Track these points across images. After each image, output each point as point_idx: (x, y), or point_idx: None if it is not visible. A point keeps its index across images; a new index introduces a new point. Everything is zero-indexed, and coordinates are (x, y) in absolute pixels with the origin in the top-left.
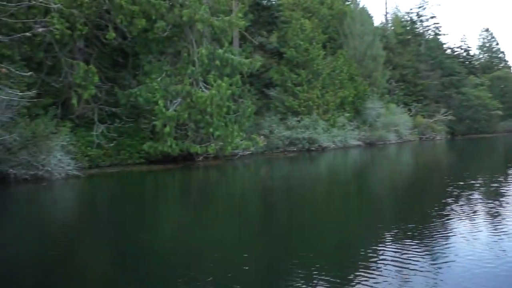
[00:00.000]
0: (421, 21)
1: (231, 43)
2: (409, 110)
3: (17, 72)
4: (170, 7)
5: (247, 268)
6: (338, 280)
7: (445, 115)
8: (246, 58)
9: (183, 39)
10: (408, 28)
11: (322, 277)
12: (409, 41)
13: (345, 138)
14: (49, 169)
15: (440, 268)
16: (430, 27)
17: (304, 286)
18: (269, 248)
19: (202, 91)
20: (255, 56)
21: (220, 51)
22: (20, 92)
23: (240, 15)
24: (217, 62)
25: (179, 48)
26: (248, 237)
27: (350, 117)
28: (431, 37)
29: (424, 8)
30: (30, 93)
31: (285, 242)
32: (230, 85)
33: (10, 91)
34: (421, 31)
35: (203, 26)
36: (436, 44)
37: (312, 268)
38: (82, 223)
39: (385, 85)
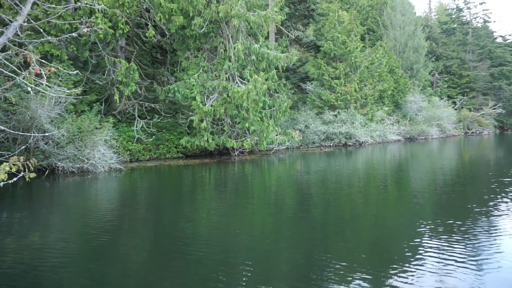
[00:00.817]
0: (469, 8)
1: (267, 37)
2: (454, 103)
3: (65, 71)
4: (207, 4)
5: (281, 258)
6: (375, 273)
7: (494, 108)
8: (282, 52)
9: (219, 35)
10: (453, 16)
11: (359, 270)
12: (454, 30)
13: (383, 133)
14: (94, 162)
15: (482, 265)
16: (478, 14)
17: (339, 278)
18: (305, 240)
19: (238, 86)
20: (291, 50)
21: (256, 46)
22: (67, 90)
23: (276, 9)
24: (253, 57)
25: (216, 44)
26: (283, 229)
27: (390, 111)
28: (479, 25)
29: None
30: (76, 90)
31: (321, 234)
32: (266, 80)
33: (58, 89)
34: (468, 19)
35: (239, 21)
36: (485, 33)
37: (348, 262)
38: (126, 212)
39: (427, 77)
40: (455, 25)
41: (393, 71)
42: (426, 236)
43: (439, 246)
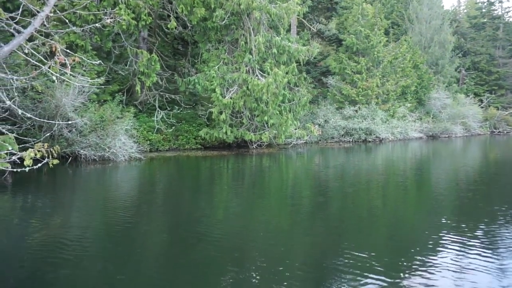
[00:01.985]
0: (501, 1)
1: (288, 30)
2: (480, 101)
3: (88, 60)
4: None
5: (296, 253)
6: (392, 271)
7: None
8: (304, 45)
9: (241, 27)
10: (484, 10)
11: (374, 268)
12: (484, 25)
13: (405, 130)
14: (114, 151)
15: (503, 267)
16: (510, 9)
17: (354, 276)
18: (320, 235)
19: (258, 79)
20: (312, 43)
21: (277, 38)
22: (90, 79)
23: (298, 1)
24: (274, 50)
25: (237, 36)
26: (299, 223)
27: (412, 107)
28: (511, 19)
29: None
30: (99, 80)
31: (338, 230)
32: (286, 73)
33: (82, 79)
34: (499, 13)
35: (261, 13)
36: None
37: (364, 259)
38: (145, 200)
39: (453, 73)
40: (485, 20)
41: (417, 66)
42: (445, 236)
43: (458, 246)
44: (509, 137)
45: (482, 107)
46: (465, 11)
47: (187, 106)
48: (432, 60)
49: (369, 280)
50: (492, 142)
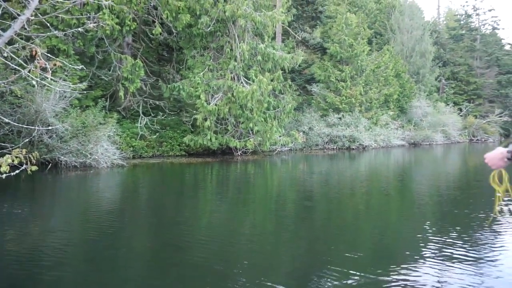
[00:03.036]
0: (478, 14)
1: (273, 38)
2: (460, 109)
3: (71, 65)
4: (214, 3)
5: (281, 259)
6: (375, 276)
7: (500, 116)
8: (288, 53)
9: (226, 34)
10: (462, 22)
11: (358, 273)
12: (462, 36)
13: (388, 137)
14: (96, 157)
15: (483, 268)
16: (487, 21)
17: (338, 281)
18: (306, 241)
19: (243, 86)
20: (297, 51)
21: (262, 46)
22: (72, 84)
23: (282, 10)
24: (259, 57)
25: (222, 43)
26: (284, 230)
27: (394, 115)
28: (488, 31)
29: (481, 1)
30: (81, 85)
31: (322, 236)
32: (271, 80)
33: (64, 84)
34: (477, 25)
35: (246, 21)
36: (493, 39)
37: (348, 264)
38: (127, 207)
39: (433, 82)
40: (463, 31)
41: (400, 75)
42: (428, 241)
43: (441, 251)
44: (487, 145)
45: (461, 116)
46: (445, 22)
47: (172, 113)
48: (413, 69)
49: (353, 282)
50: (471, 150)
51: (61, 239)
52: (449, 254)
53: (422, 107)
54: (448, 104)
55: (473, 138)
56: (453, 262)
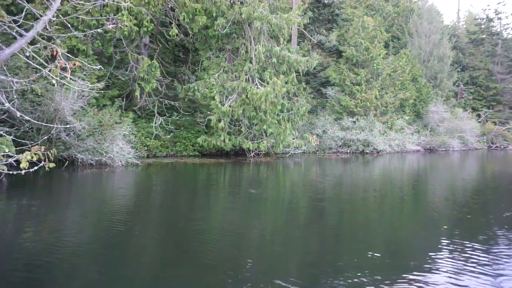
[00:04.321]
0: (499, 18)
1: (289, 40)
2: (478, 115)
3: (89, 65)
4: (230, 5)
5: (290, 262)
6: (386, 281)
7: None
8: (303, 56)
9: (241, 36)
10: (483, 26)
11: (368, 278)
12: (483, 41)
13: (402, 142)
14: (112, 156)
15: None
16: (509, 25)
17: (348, 284)
18: (316, 244)
19: (258, 88)
20: (312, 54)
21: (277, 48)
22: (90, 84)
23: (298, 12)
24: (274, 60)
25: (238, 45)
26: (295, 233)
27: (410, 120)
28: (509, 36)
29: (504, 4)
30: (99, 85)
31: (333, 240)
32: (286, 83)
33: (82, 83)
34: (498, 29)
35: (261, 23)
36: None
37: (358, 269)
38: (141, 205)
39: (451, 87)
40: (484, 36)
41: (416, 79)
42: (441, 247)
43: (454, 258)
44: (506, 152)
45: (479, 122)
46: (464, 26)
47: (186, 113)
48: (431, 74)
49: (364, 283)
50: (490, 157)
51: (76, 232)
52: (463, 259)
53: (439, 112)
54: (466, 110)
55: (492, 145)
56: (467, 269)
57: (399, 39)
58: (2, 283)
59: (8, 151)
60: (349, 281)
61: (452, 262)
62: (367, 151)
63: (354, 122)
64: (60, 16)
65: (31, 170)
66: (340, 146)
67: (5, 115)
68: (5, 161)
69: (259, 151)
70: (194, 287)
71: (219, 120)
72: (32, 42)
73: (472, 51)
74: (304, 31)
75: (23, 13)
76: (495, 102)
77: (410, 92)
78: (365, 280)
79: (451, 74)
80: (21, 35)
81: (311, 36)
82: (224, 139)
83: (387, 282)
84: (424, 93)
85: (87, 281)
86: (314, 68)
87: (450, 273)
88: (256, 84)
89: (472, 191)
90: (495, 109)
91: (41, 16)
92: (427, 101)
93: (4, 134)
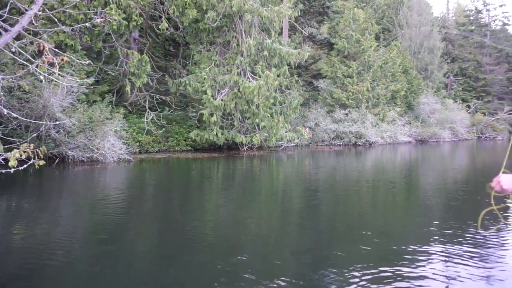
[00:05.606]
0: (488, 10)
1: (280, 33)
2: (468, 106)
3: (78, 60)
4: None
5: (283, 255)
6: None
7: (509, 113)
8: (295, 48)
9: (232, 29)
10: (472, 18)
11: (362, 269)
12: (472, 32)
13: (394, 134)
14: (103, 152)
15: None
16: (497, 17)
17: (342, 277)
18: (311, 237)
19: (250, 81)
20: (304, 47)
21: (268, 41)
22: (79, 80)
23: (289, 5)
24: (265, 53)
25: (229, 38)
26: (289, 225)
27: (401, 112)
28: (498, 27)
29: None
30: (88, 80)
31: (327, 232)
32: (278, 76)
33: (71, 79)
34: (487, 21)
35: (252, 16)
36: (503, 35)
37: (353, 261)
38: (134, 201)
39: (441, 79)
40: (473, 27)
41: (407, 71)
42: (434, 238)
43: (447, 249)
44: (495, 143)
45: (469, 113)
46: (454, 18)
47: (178, 108)
48: (421, 65)
49: (358, 277)
50: (479, 147)
51: (68, 232)
52: (455, 250)
53: (429, 104)
54: (456, 101)
55: (481, 135)
56: (460, 259)
57: (390, 31)
58: None
59: None
60: (342, 272)
61: (444, 251)
62: (360, 143)
63: (346, 114)
64: (46, 10)
65: (20, 168)
66: (332, 139)
67: None
68: None
69: (252, 145)
70: (190, 283)
71: (211, 114)
72: (18, 37)
73: (461, 42)
74: (295, 24)
75: (7, 8)
76: (484, 93)
77: (401, 83)
78: (358, 272)
79: (441, 66)
80: (6, 30)
81: (302, 28)
82: (216, 133)
83: (380, 273)
84: (415, 85)
85: (81, 280)
86: (305, 61)
87: (442, 262)
88: (248, 78)
89: (463, 180)
90: (485, 100)
91: (26, 10)
92: (418, 93)
93: None
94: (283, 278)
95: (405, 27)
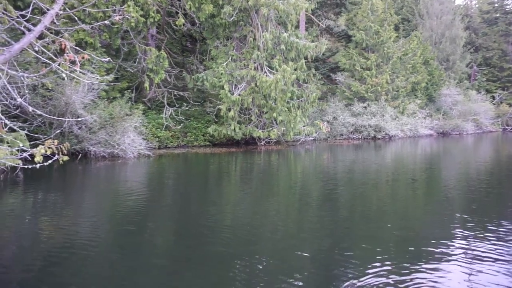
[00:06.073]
0: None
1: (297, 26)
2: (492, 97)
3: (98, 58)
4: None
5: (302, 248)
6: (399, 269)
7: None
8: (312, 41)
9: (249, 23)
10: (496, 5)
11: (381, 264)
12: (497, 20)
13: (415, 127)
14: (124, 148)
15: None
16: None
17: (360, 272)
18: (328, 231)
19: (267, 75)
20: (321, 39)
21: (285, 35)
22: (100, 77)
23: None
24: (282, 47)
25: (245, 32)
26: (307, 220)
27: (422, 104)
28: None
29: None
30: (108, 77)
31: (345, 226)
32: (295, 69)
33: (91, 76)
34: None
35: (268, 10)
36: None
37: (371, 256)
38: (154, 195)
39: (464, 69)
40: (497, 14)
41: (428, 62)
42: (456, 234)
43: (469, 244)
44: None
45: (494, 104)
46: (477, 5)
47: (196, 103)
48: (443, 56)
49: (375, 271)
50: (505, 139)
51: (91, 223)
52: (477, 245)
53: (451, 95)
54: (480, 92)
55: (507, 127)
56: (483, 254)
57: (410, 21)
58: (24, 275)
59: (23, 146)
60: (361, 266)
61: (466, 246)
62: (379, 137)
63: (365, 107)
64: (67, 9)
65: (45, 163)
66: (351, 132)
67: (17, 111)
68: (20, 155)
69: (269, 139)
70: (209, 275)
71: (229, 109)
72: (41, 36)
73: (485, 31)
74: (312, 16)
75: (30, 8)
76: (510, 83)
77: (422, 75)
78: (377, 268)
79: (463, 56)
80: (29, 30)
81: (319, 21)
82: (234, 128)
83: (400, 268)
84: (436, 76)
85: (104, 269)
86: (323, 54)
87: (464, 257)
88: (265, 72)
89: (487, 173)
90: (510, 90)
91: (48, 10)
92: (439, 84)
93: (18, 129)
94: (301, 271)
95: (425, 17)
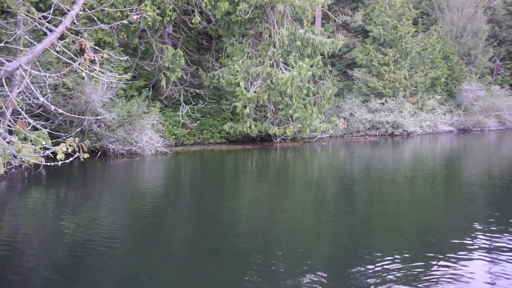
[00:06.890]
0: None
1: (313, 22)
2: None
3: (116, 57)
4: None
5: (322, 242)
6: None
7: None
8: (328, 37)
9: (264, 20)
10: None
11: (399, 263)
12: None
13: (434, 123)
14: (141, 145)
15: None
16: None
17: (379, 270)
18: (345, 229)
19: (282, 72)
20: (338, 35)
21: (301, 31)
22: (118, 75)
23: None
24: (298, 43)
25: (261, 29)
26: (324, 217)
27: (442, 100)
28: None
29: None
30: (126, 76)
31: (363, 225)
32: (311, 66)
33: (110, 75)
34: None
35: (284, 6)
36: None
37: (390, 254)
38: (172, 192)
39: (487, 64)
40: None
41: (448, 57)
42: (476, 232)
43: (491, 238)
44: None
45: None
46: None
47: (212, 101)
48: (464, 50)
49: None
50: None
51: (111, 218)
52: (498, 243)
53: (473, 91)
54: (503, 87)
55: None
56: (504, 249)
57: (429, 15)
58: (50, 271)
59: (45, 144)
60: (379, 263)
61: (487, 245)
62: (397, 133)
63: (383, 103)
64: (86, 9)
65: (67, 161)
66: (368, 129)
67: (40, 109)
68: (43, 153)
69: (285, 136)
70: (225, 272)
71: (245, 107)
72: (61, 37)
73: (510, 23)
74: (328, 12)
75: (52, 9)
76: None
77: (441, 70)
78: (396, 264)
79: (486, 50)
80: (50, 31)
81: (336, 17)
82: (250, 126)
83: (418, 266)
84: (456, 71)
85: (122, 267)
86: (339, 50)
87: (485, 256)
88: (281, 69)
89: (510, 171)
90: None
91: (68, 11)
92: (460, 80)
93: (41, 127)
94: (318, 269)
95: (445, 10)
